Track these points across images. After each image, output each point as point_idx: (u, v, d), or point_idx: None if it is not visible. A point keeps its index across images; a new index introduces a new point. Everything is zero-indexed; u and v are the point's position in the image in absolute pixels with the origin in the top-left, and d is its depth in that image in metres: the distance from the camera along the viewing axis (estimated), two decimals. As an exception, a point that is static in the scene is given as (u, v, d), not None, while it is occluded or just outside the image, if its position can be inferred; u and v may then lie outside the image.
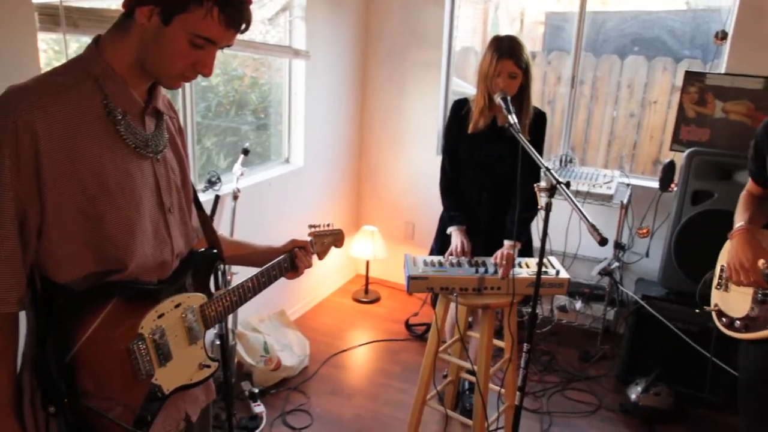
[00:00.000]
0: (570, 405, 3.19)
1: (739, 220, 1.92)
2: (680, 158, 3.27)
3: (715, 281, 2.02)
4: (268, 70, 3.77)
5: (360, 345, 3.71)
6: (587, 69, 4.09)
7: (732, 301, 1.94)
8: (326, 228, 1.90)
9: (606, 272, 3.39)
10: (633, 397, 3.10)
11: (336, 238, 1.94)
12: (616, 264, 3.45)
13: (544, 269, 2.53)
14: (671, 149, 3.46)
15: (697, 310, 2.13)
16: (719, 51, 3.45)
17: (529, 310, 3.71)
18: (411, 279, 2.46)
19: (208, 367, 1.34)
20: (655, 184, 3.40)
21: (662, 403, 3.07)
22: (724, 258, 1.99)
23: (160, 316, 1.22)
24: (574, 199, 1.79)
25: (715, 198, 3.11)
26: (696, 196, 3.15)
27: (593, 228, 1.65)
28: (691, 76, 3.39)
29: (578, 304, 3.62)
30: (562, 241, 3.65)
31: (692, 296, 3.15)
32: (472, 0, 4.97)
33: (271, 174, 3.61)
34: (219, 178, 3.11)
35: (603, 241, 1.61)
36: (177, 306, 1.27)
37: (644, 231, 3.46)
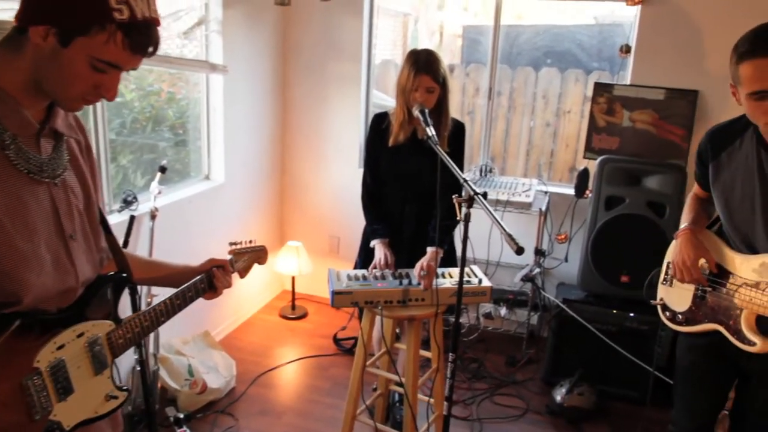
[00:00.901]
0: (499, 410, 3.24)
1: (684, 221, 2.02)
2: (593, 165, 3.40)
3: (662, 277, 2.14)
4: (186, 84, 3.68)
5: (288, 362, 3.64)
6: (504, 81, 4.21)
7: (675, 296, 2.05)
8: (247, 245, 1.86)
9: (528, 278, 3.48)
10: (558, 398, 3.18)
11: (258, 254, 1.90)
12: (538, 270, 3.54)
13: (466, 278, 2.57)
14: (585, 157, 3.59)
15: (651, 302, 2.17)
16: (624, 63, 3.62)
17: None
18: (335, 294, 2.45)
19: (116, 398, 1.27)
20: (572, 191, 3.51)
21: (586, 403, 3.16)
22: (670, 256, 2.10)
23: (59, 348, 1.15)
24: (491, 209, 1.81)
25: (627, 203, 3.25)
26: (609, 202, 3.29)
27: (510, 238, 1.68)
28: (599, 88, 3.54)
29: (503, 311, 3.70)
30: (484, 249, 3.71)
31: (610, 298, 3.29)
32: (392, 13, 5.04)
33: (192, 191, 3.51)
34: (135, 198, 2.99)
35: (519, 251, 1.65)
36: (80, 335, 1.20)
37: (562, 237, 3.57)
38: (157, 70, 3.41)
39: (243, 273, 1.84)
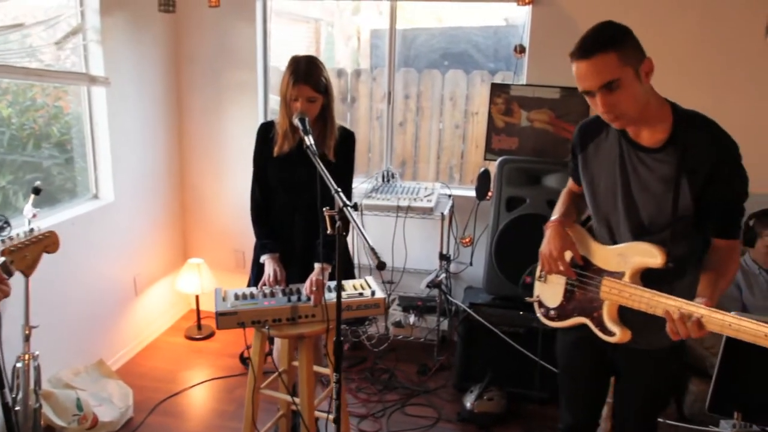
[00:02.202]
0: (410, 422, 3.17)
1: (555, 214, 2.02)
2: (494, 167, 3.38)
3: (537, 273, 2.13)
4: (75, 98, 3.45)
5: (192, 386, 3.46)
6: (411, 84, 4.16)
7: (549, 291, 2.05)
8: (24, 239, 1.68)
9: (434, 284, 3.43)
10: (468, 405, 3.14)
11: (42, 243, 1.71)
12: (444, 275, 3.49)
13: (359, 291, 2.48)
14: (485, 158, 3.58)
15: (527, 299, 2.18)
16: (520, 63, 3.63)
17: (365, 329, 3.66)
18: (219, 315, 2.31)
19: None
20: (475, 193, 3.49)
21: (496, 407, 3.13)
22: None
23: None
24: (358, 222, 1.73)
25: (528, 203, 3.24)
26: (510, 203, 3.27)
27: (372, 252, 1.59)
28: (496, 88, 3.53)
29: (412, 318, 3.63)
30: (389, 256, 3.64)
31: (516, 300, 3.27)
32: (303, 19, 4.92)
33: (77, 212, 3.29)
34: (7, 222, 2.74)
35: (380, 265, 1.56)
36: None
37: (467, 240, 3.54)
38: (39, 84, 3.18)
39: (29, 271, 1.66)
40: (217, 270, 4.12)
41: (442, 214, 3.44)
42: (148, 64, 3.72)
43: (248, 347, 3.77)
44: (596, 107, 1.66)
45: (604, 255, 1.86)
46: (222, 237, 4.21)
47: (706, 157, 1.66)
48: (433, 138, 4.41)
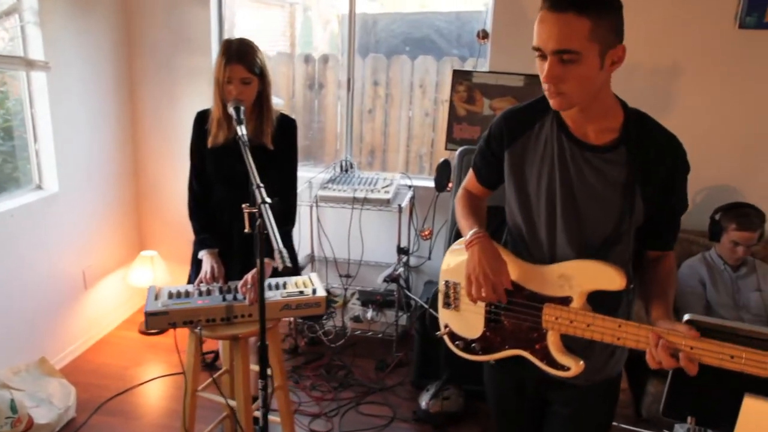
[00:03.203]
0: (364, 421, 3.06)
1: (471, 226, 1.65)
2: (455, 157, 3.25)
3: (441, 299, 1.78)
4: (21, 83, 3.27)
5: (143, 383, 3.34)
6: (380, 70, 4.02)
7: (464, 320, 1.71)
8: None
9: (392, 278, 3.31)
10: (423, 404, 3.03)
11: None
12: (402, 269, 3.37)
13: (299, 289, 2.36)
14: (446, 148, 3.46)
15: (436, 334, 1.81)
16: (483, 50, 3.49)
17: (322, 324, 3.53)
18: (148, 315, 2.18)
19: None
20: (438, 184, 3.37)
21: (452, 406, 3.03)
22: (451, 273, 1.75)
23: None
24: (271, 219, 1.60)
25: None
26: (470, 195, 3.15)
27: (279, 254, 1.47)
28: (458, 75, 3.40)
29: (371, 313, 3.52)
30: (345, 249, 3.52)
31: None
32: (278, 2, 4.75)
33: (17, 203, 3.13)
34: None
35: (286, 269, 1.43)
36: None
37: (426, 233, 3.42)
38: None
39: None
40: (174, 262, 3.98)
41: (400, 206, 3.31)
42: (95, 48, 3.55)
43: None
44: (540, 72, 1.39)
45: (537, 276, 1.55)
46: (179, 228, 4.06)
47: (661, 164, 1.46)
48: (403, 126, 4.27)
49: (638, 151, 1.45)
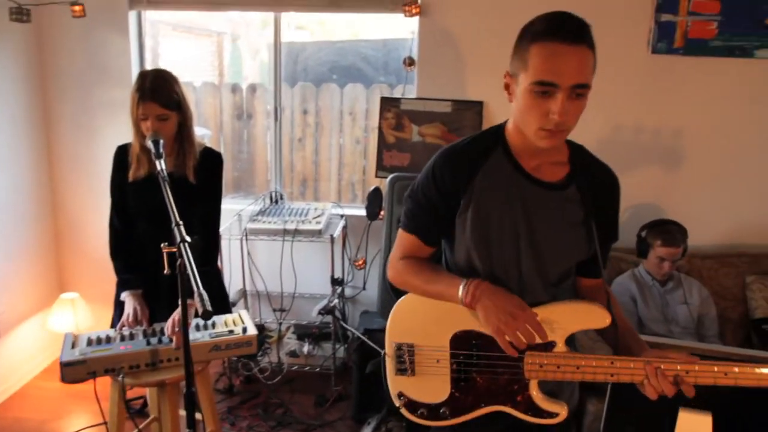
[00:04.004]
0: (304, 460, 2.95)
1: (450, 282, 1.45)
2: (385, 184, 3.23)
3: (393, 366, 1.58)
4: None
5: (62, 438, 3.12)
6: (309, 99, 3.98)
7: (426, 384, 1.54)
8: None
9: (327, 311, 3.23)
10: (365, 438, 2.95)
11: None
12: (336, 300, 3.31)
13: (229, 329, 2.26)
14: (377, 176, 3.44)
15: (396, 406, 1.62)
16: (410, 76, 3.51)
17: (257, 361, 3.39)
18: (64, 366, 2.04)
19: None
20: (371, 212, 3.34)
21: (394, 439, 2.96)
22: (401, 334, 1.56)
23: None
24: (191, 259, 1.52)
25: (420, 221, 3.10)
26: (402, 222, 3.12)
27: (199, 297, 1.39)
28: (387, 102, 3.40)
29: (307, 347, 3.42)
30: (276, 282, 3.42)
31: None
32: (204, 33, 4.65)
33: None
34: None
35: (205, 314, 1.35)
36: None
37: (360, 262, 3.37)
38: None
39: None
40: (97, 304, 3.76)
41: (332, 236, 3.25)
42: (3, 77, 3.36)
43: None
44: (537, 111, 1.29)
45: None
46: (102, 267, 3.82)
47: (606, 198, 1.49)
48: (333, 154, 4.23)
49: (587, 188, 1.44)
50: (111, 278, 3.81)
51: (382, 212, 3.27)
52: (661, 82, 3.28)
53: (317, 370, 3.55)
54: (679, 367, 1.33)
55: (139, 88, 2.13)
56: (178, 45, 4.29)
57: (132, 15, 3.58)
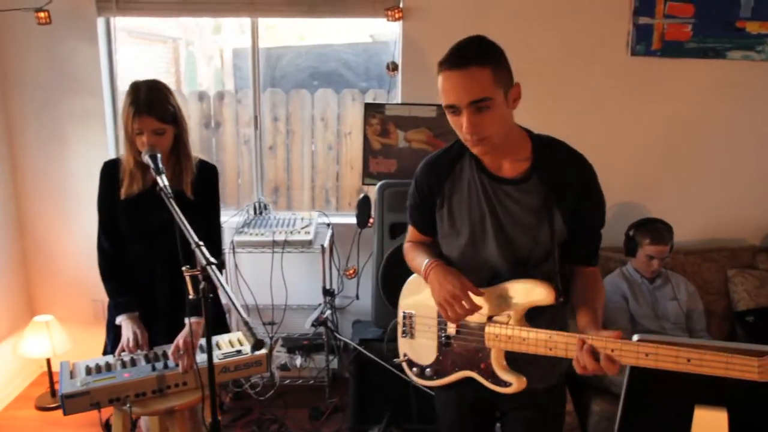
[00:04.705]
0: (304, 477, 2.88)
1: (422, 261, 1.73)
2: (374, 191, 3.19)
3: (400, 329, 1.88)
4: None
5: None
6: (279, 105, 3.90)
7: (419, 348, 1.82)
8: None
9: (319, 322, 3.17)
10: (366, 450, 2.90)
11: None
12: (329, 311, 3.24)
13: (236, 349, 2.18)
14: (364, 183, 3.39)
15: (395, 361, 1.91)
16: (394, 82, 3.48)
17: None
18: (65, 399, 1.92)
19: None
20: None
21: (396, 449, 2.92)
22: (407, 305, 1.88)
23: None
24: (224, 284, 1.44)
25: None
26: (393, 229, 3.08)
27: (247, 327, 1.32)
28: (371, 108, 3.35)
29: (299, 360, 3.34)
30: (267, 293, 3.34)
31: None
32: (159, 38, 4.49)
33: None
34: None
35: (258, 345, 1.29)
36: None
37: (351, 272, 3.32)
38: None
39: None
40: (72, 325, 3.60)
41: (322, 246, 3.19)
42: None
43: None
44: (457, 127, 1.53)
45: (483, 299, 1.65)
46: (76, 287, 3.69)
47: (572, 182, 1.61)
48: (306, 161, 4.16)
49: (549, 177, 1.60)
50: (87, 298, 3.67)
51: (371, 220, 3.23)
52: (641, 83, 3.35)
53: (311, 382, 3.49)
54: (605, 345, 1.43)
55: (133, 102, 2.02)
56: (133, 51, 4.14)
57: (100, 22, 3.43)
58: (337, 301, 3.51)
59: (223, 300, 2.38)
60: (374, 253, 3.12)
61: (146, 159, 1.97)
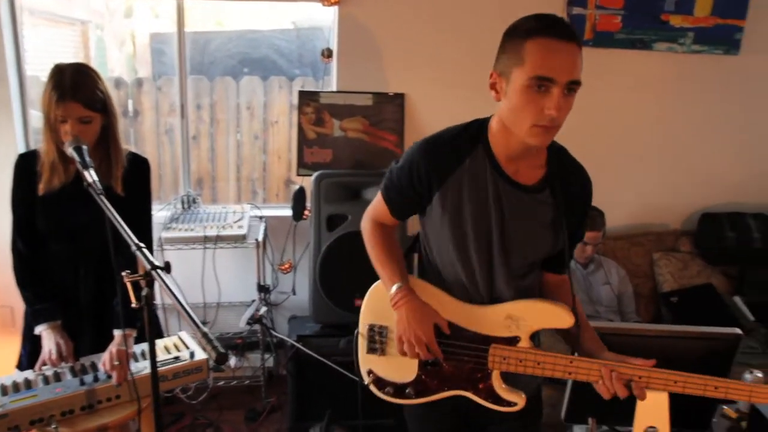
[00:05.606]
0: (243, 482, 2.76)
1: (392, 278, 1.57)
2: (309, 182, 3.08)
3: (364, 344, 1.67)
4: None
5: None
6: (203, 94, 3.69)
7: (394, 365, 1.64)
8: None
9: (255, 320, 3.04)
10: (308, 450, 2.81)
11: None
12: (264, 308, 3.11)
13: (173, 355, 2.03)
14: (298, 174, 3.27)
15: (363, 382, 1.70)
16: (328, 69, 3.36)
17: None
18: (-19, 423, 1.71)
19: None
20: (291, 212, 3.16)
21: (340, 446, 2.85)
22: (375, 316, 1.66)
23: None
24: (173, 289, 1.30)
25: (350, 220, 2.98)
26: (331, 221, 2.99)
27: (207, 341, 1.19)
28: (305, 96, 3.24)
29: (233, 360, 3.20)
30: (198, 290, 3.17)
31: (347, 326, 3.00)
32: (66, 20, 4.15)
33: None
34: None
35: (221, 359, 1.16)
36: None
37: (286, 266, 3.20)
38: None
39: None
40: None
41: (257, 240, 3.05)
42: None
43: None
44: (532, 106, 1.31)
45: (480, 317, 1.53)
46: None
47: (579, 197, 1.54)
48: (232, 152, 3.98)
49: (561, 189, 1.49)
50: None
51: (307, 212, 3.13)
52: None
53: (246, 383, 3.35)
54: (634, 373, 1.41)
55: (56, 86, 1.82)
56: (38, 34, 3.81)
57: (3, 1, 3.11)
58: (272, 297, 3.38)
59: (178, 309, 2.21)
60: (311, 246, 3.02)
61: (71, 152, 1.77)
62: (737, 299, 3.40)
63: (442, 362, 1.57)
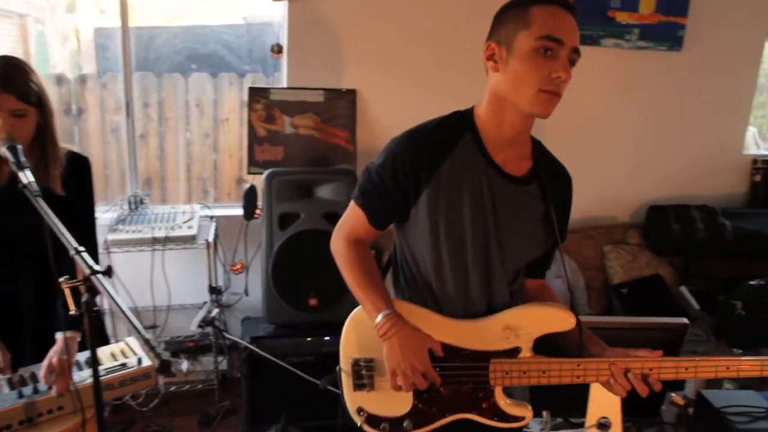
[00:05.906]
0: (197, 489, 2.70)
1: (375, 305, 1.43)
2: (261, 181, 3.03)
3: (349, 382, 1.54)
4: None
5: None
6: (150, 91, 3.59)
7: (387, 398, 1.50)
8: None
9: (207, 322, 2.97)
10: (265, 453, 2.77)
11: None
12: (217, 310, 3.05)
13: (120, 361, 1.96)
14: (249, 172, 3.21)
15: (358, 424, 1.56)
16: (278, 65, 3.31)
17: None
18: None
19: None
20: (242, 211, 3.11)
21: (296, 449, 2.81)
22: (358, 349, 1.53)
23: None
24: (113, 293, 1.25)
25: (302, 218, 2.94)
26: (283, 220, 2.94)
27: (149, 347, 1.14)
28: (255, 93, 3.18)
29: (185, 364, 3.12)
30: (147, 293, 3.09)
31: (301, 326, 2.96)
32: (5, 13, 3.98)
33: None
34: None
35: (163, 367, 1.12)
36: None
37: (238, 267, 3.14)
38: None
39: None
40: None
41: (207, 240, 2.99)
42: None
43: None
44: (540, 71, 1.28)
45: (477, 332, 1.44)
46: None
47: (562, 196, 1.50)
48: (181, 150, 3.89)
49: (547, 184, 1.44)
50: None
51: (258, 211, 3.07)
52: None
53: (198, 387, 3.27)
54: (645, 365, 1.37)
55: None
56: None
57: (-70, -8, 2.96)
58: (225, 299, 3.31)
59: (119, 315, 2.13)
60: (263, 245, 2.96)
61: (4, 152, 1.68)
62: (683, 289, 3.50)
63: (438, 387, 1.45)
